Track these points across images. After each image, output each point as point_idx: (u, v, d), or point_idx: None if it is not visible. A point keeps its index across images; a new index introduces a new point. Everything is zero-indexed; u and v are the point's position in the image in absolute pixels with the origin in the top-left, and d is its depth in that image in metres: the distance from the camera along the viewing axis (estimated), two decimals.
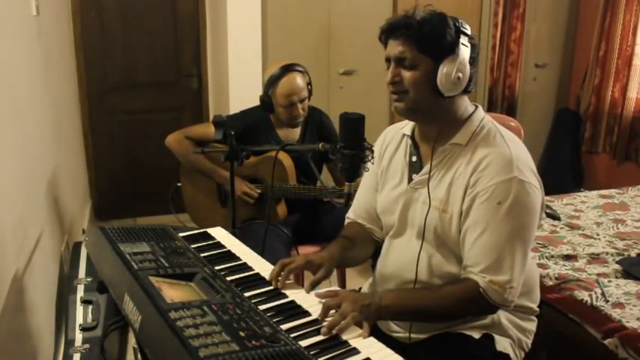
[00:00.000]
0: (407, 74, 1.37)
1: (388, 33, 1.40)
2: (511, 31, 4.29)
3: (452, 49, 1.34)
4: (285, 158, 2.40)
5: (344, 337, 1.13)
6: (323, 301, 1.26)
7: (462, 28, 1.36)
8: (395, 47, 1.38)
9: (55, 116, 2.65)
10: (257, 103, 2.57)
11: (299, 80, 2.37)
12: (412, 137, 1.53)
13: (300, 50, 3.70)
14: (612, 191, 3.14)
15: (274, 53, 3.64)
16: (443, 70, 1.34)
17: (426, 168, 1.45)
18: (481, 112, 1.47)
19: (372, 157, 1.47)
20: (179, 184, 2.62)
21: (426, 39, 1.34)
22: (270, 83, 2.36)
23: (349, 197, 1.55)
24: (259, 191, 2.44)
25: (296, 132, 2.52)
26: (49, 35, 2.62)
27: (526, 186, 1.34)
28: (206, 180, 2.53)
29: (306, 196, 2.37)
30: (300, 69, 2.40)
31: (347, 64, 3.92)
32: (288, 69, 2.36)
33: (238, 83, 3.53)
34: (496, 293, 1.32)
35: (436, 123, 1.42)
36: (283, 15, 3.68)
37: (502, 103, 4.42)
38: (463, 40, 1.35)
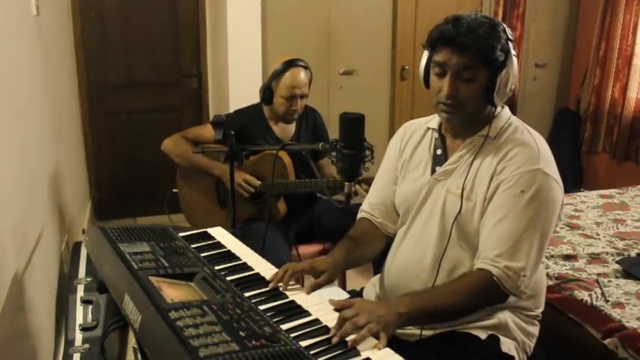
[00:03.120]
0: (465, 88, 1.37)
1: (443, 41, 1.37)
2: (511, 31, 4.29)
3: (506, 58, 1.36)
4: (284, 155, 2.41)
5: (360, 349, 1.10)
6: (335, 307, 1.24)
7: (510, 36, 1.37)
8: (455, 58, 1.35)
9: (55, 116, 2.65)
10: (257, 102, 2.57)
11: (303, 75, 2.41)
12: (439, 131, 1.53)
13: (300, 50, 3.68)
14: (612, 191, 3.14)
15: (274, 53, 3.64)
16: (502, 81, 1.36)
17: (452, 159, 1.47)
18: (508, 111, 1.49)
19: (372, 157, 1.47)
20: (175, 190, 2.61)
21: (488, 53, 1.34)
22: (275, 75, 2.39)
23: (349, 197, 1.55)
24: (259, 182, 2.43)
25: (291, 128, 2.53)
26: (49, 35, 2.62)
27: (550, 180, 1.36)
28: (203, 182, 2.52)
29: (306, 190, 2.38)
30: (306, 65, 2.43)
31: (347, 64, 3.92)
32: (294, 63, 2.40)
33: (238, 83, 3.53)
34: (510, 280, 1.32)
35: (470, 122, 1.45)
36: (283, 15, 3.68)
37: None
38: (512, 48, 1.37)
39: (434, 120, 1.56)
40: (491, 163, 1.40)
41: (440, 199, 1.47)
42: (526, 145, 1.39)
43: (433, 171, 1.51)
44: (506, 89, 1.37)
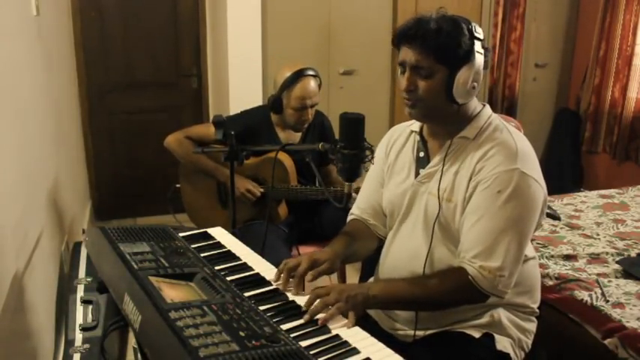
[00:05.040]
0: (422, 83, 1.38)
1: (403, 39, 1.39)
2: (511, 31, 4.29)
3: (467, 57, 1.35)
4: (286, 159, 2.40)
5: (330, 326, 1.15)
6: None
7: (476, 34, 1.36)
8: (411, 55, 1.37)
9: (55, 116, 2.65)
10: (257, 102, 2.57)
11: (314, 85, 2.39)
12: (420, 133, 1.54)
13: (300, 50, 3.70)
14: (612, 191, 3.14)
15: (274, 53, 3.65)
16: (459, 79, 1.35)
17: (433, 162, 1.47)
18: (489, 110, 1.49)
19: (372, 157, 1.48)
20: (178, 186, 2.61)
21: (442, 49, 1.34)
22: (286, 85, 2.36)
23: (349, 197, 1.55)
24: (262, 190, 2.43)
25: (297, 135, 2.52)
26: (49, 35, 2.62)
27: (528, 179, 1.35)
28: (206, 181, 2.52)
29: (307, 196, 2.37)
30: (315, 74, 2.41)
31: (347, 64, 3.92)
32: (304, 73, 2.36)
33: (238, 83, 3.53)
34: (485, 280, 1.32)
35: (447, 123, 1.45)
36: (283, 15, 3.68)
37: (502, 103, 4.42)
38: (477, 46, 1.36)
39: (416, 123, 1.56)
40: (471, 164, 1.40)
41: (423, 202, 1.48)
42: (504, 145, 1.39)
43: (417, 174, 1.51)
44: (466, 87, 1.36)
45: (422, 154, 1.52)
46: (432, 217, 1.45)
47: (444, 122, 1.45)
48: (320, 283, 1.39)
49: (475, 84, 1.37)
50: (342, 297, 1.23)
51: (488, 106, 1.49)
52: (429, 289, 1.36)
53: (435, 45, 1.34)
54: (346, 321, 1.18)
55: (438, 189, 1.43)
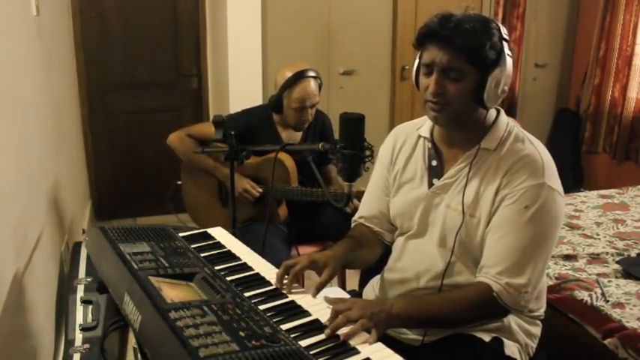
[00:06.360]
0: (452, 86, 1.31)
1: (430, 38, 1.32)
2: (511, 31, 4.29)
3: (499, 58, 1.30)
4: (287, 159, 2.40)
5: (352, 343, 1.11)
6: (330, 305, 1.23)
7: (504, 35, 1.32)
8: (441, 56, 1.30)
9: (55, 116, 2.65)
10: (257, 102, 2.57)
11: (314, 86, 2.40)
12: (431, 140, 1.48)
13: (300, 50, 3.70)
14: (612, 191, 3.14)
15: (274, 53, 3.65)
16: (492, 83, 1.30)
17: (450, 172, 1.42)
18: (505, 117, 1.45)
19: (372, 157, 1.46)
20: (179, 183, 2.62)
21: (476, 50, 1.28)
22: (286, 86, 2.37)
23: (349, 198, 1.55)
24: (260, 190, 2.44)
25: (298, 134, 2.52)
26: (49, 35, 2.62)
27: (553, 194, 1.34)
28: (207, 179, 2.53)
29: (308, 197, 2.37)
30: (316, 75, 2.41)
31: (347, 64, 3.92)
32: (304, 74, 2.37)
33: (238, 83, 3.53)
34: (510, 296, 1.30)
35: (466, 129, 1.41)
36: (283, 15, 3.68)
37: (502, 103, 4.40)
38: (506, 48, 1.31)
39: (425, 126, 1.51)
40: (495, 177, 1.35)
41: (439, 214, 1.43)
42: (530, 158, 1.35)
43: (431, 183, 1.46)
44: (497, 91, 1.31)
45: (434, 162, 1.46)
46: (451, 232, 1.40)
47: (465, 128, 1.40)
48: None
49: (505, 87, 1.33)
50: (365, 313, 1.17)
51: (503, 113, 1.45)
52: (452, 306, 1.33)
53: (468, 46, 1.27)
54: (368, 336, 1.13)
55: (463, 203, 1.38)
